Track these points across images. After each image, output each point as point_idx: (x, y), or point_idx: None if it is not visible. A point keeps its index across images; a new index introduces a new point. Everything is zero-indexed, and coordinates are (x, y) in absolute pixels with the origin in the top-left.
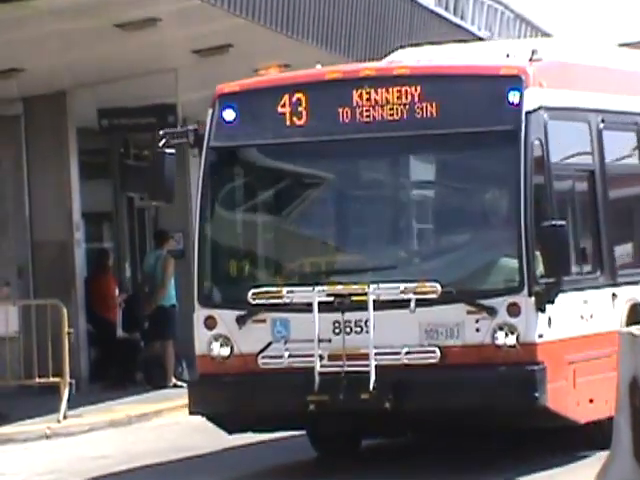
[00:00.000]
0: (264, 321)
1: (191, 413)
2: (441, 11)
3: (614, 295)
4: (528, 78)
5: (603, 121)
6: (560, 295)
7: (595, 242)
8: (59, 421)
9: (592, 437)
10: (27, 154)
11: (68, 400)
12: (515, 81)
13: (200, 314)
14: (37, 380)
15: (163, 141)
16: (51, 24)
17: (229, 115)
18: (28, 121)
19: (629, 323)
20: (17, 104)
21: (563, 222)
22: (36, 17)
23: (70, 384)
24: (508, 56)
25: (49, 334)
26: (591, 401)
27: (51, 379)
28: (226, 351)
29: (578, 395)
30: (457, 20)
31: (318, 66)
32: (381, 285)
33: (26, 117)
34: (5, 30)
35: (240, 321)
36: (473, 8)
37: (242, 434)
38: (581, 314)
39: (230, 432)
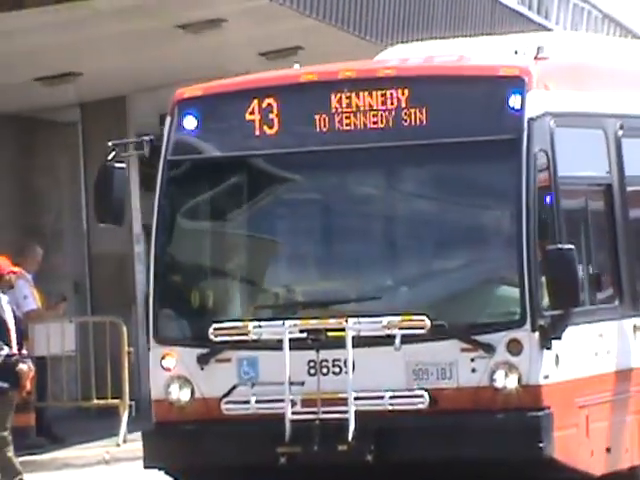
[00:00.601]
0: (229, 360)
1: (146, 467)
2: (524, 10)
3: (636, 327)
4: (531, 79)
5: (622, 127)
6: (570, 329)
7: (613, 267)
8: (118, 445)
9: None
10: (84, 163)
11: (128, 423)
12: (516, 83)
13: (156, 352)
14: (95, 402)
15: (112, 154)
16: (110, 25)
17: (190, 123)
18: (85, 128)
19: None
20: (74, 110)
21: (571, 246)
22: (95, 18)
23: (130, 406)
24: (517, 53)
25: (108, 353)
26: (608, 450)
27: (110, 401)
28: (186, 395)
29: (592, 444)
30: (540, 19)
31: (296, 66)
32: (361, 319)
33: (83, 124)
34: (62, 32)
35: (201, 361)
36: (558, 7)
37: None
38: (596, 350)
39: None
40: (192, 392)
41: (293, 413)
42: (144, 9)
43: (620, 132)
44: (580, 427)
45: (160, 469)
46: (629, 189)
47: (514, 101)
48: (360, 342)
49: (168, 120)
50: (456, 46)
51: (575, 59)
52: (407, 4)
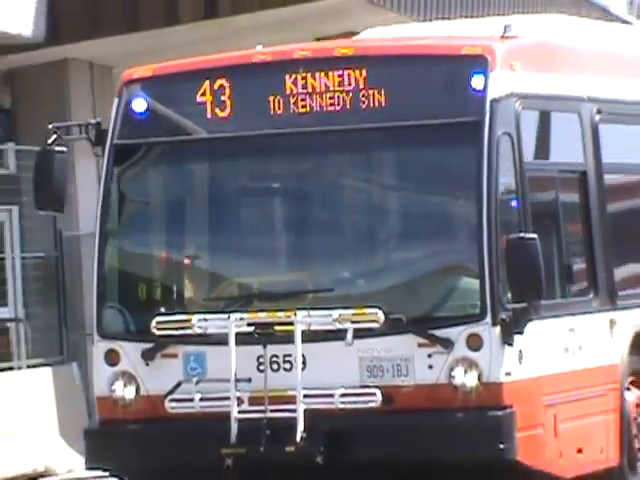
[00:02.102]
0: (175, 356)
1: (88, 468)
2: (633, 20)
3: (612, 321)
4: (495, 59)
5: (600, 112)
6: (537, 323)
7: (588, 258)
8: None
9: None
10: None
11: None
12: (479, 62)
13: (99, 347)
14: None
15: (53, 137)
16: (251, 39)
17: (139, 106)
18: None
19: (633, 354)
20: None
21: (534, 235)
22: (236, 33)
23: None
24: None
25: None
26: (579, 451)
27: None
28: (131, 392)
29: (561, 445)
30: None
31: (259, 47)
32: (311, 312)
33: None
34: (206, 47)
35: (146, 356)
36: None
37: None
38: (566, 346)
39: None
40: (137, 389)
41: (240, 412)
42: (283, 24)
43: (597, 117)
44: (547, 427)
45: (103, 471)
46: (606, 177)
47: (476, 81)
48: (311, 337)
49: (115, 102)
50: (435, 28)
51: (549, 40)
52: None
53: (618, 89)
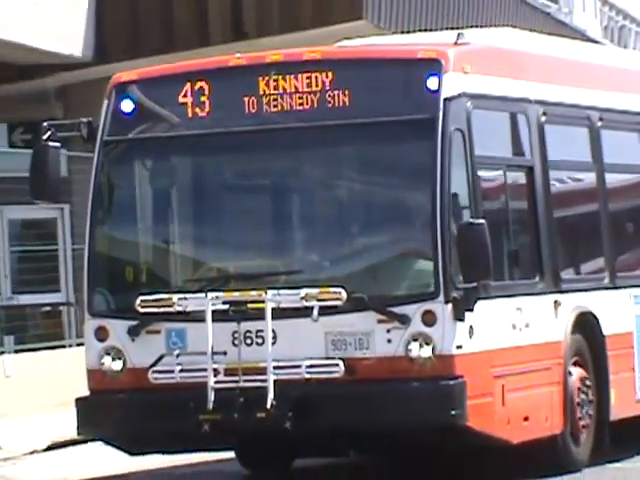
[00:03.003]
0: (158, 332)
1: (80, 434)
2: (607, 43)
3: (557, 302)
4: (448, 62)
5: (545, 114)
6: (487, 302)
7: (534, 245)
8: None
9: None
10: None
11: None
12: (433, 65)
13: (90, 324)
14: None
15: (48, 134)
16: None
17: (127, 106)
18: None
19: (575, 333)
20: None
21: (482, 220)
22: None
23: None
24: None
25: None
26: (526, 419)
27: None
28: (118, 365)
29: (508, 412)
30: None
31: (237, 55)
32: (281, 291)
33: None
34: None
35: (132, 332)
36: (635, 39)
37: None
38: (513, 323)
39: (131, 454)
40: (124, 362)
41: (216, 382)
42: (303, 44)
43: (543, 118)
44: (496, 396)
45: (94, 435)
46: (551, 172)
47: (431, 82)
48: (281, 314)
49: (105, 103)
50: (407, 38)
51: (499, 47)
52: None
53: (562, 93)
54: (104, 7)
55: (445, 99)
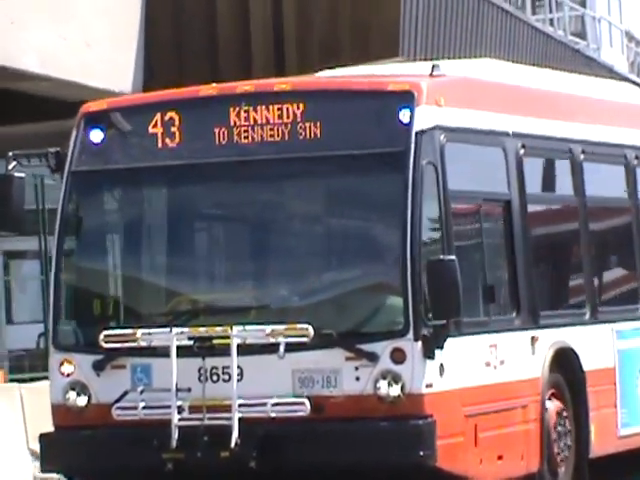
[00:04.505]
0: (124, 367)
1: (43, 471)
2: (634, 77)
3: (534, 338)
4: (421, 95)
5: (524, 147)
6: (460, 339)
7: (511, 280)
8: None
9: None
10: None
11: None
12: (406, 97)
13: (55, 358)
14: None
15: (13, 164)
16: None
17: (96, 136)
18: None
19: (554, 369)
20: None
21: (453, 257)
22: None
23: None
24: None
25: None
26: (500, 458)
27: None
28: (83, 400)
29: (481, 452)
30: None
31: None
32: (247, 327)
33: None
34: None
35: (97, 367)
36: None
37: None
38: (487, 360)
39: None
40: (89, 398)
41: (180, 420)
42: None
43: (522, 151)
44: (467, 435)
45: (58, 472)
46: (529, 206)
47: (403, 115)
48: (247, 350)
49: (74, 133)
50: (384, 69)
51: (475, 79)
52: None
53: (543, 126)
54: (152, 45)
55: (417, 132)
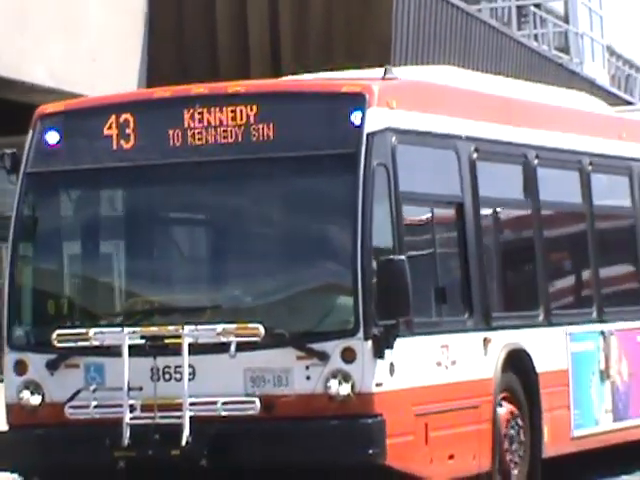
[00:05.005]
0: (77, 366)
1: None
2: (615, 90)
3: (487, 340)
4: (373, 97)
5: (477, 150)
6: (411, 339)
7: (463, 281)
8: None
9: None
10: None
11: None
12: (357, 100)
13: (9, 358)
14: None
15: None
16: None
17: (52, 138)
18: None
19: (506, 370)
20: None
21: (402, 257)
22: None
23: None
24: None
25: None
26: (451, 457)
27: None
28: (37, 400)
29: (432, 451)
30: (628, 97)
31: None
32: (199, 326)
33: None
34: None
35: (51, 366)
36: None
37: None
38: (438, 360)
39: None
40: (43, 397)
41: (132, 418)
42: None
43: (475, 155)
44: (418, 434)
45: (11, 471)
46: (482, 209)
47: (354, 117)
48: (199, 349)
49: (30, 134)
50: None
51: (429, 83)
52: None
53: (496, 131)
54: (155, 60)
55: (368, 134)
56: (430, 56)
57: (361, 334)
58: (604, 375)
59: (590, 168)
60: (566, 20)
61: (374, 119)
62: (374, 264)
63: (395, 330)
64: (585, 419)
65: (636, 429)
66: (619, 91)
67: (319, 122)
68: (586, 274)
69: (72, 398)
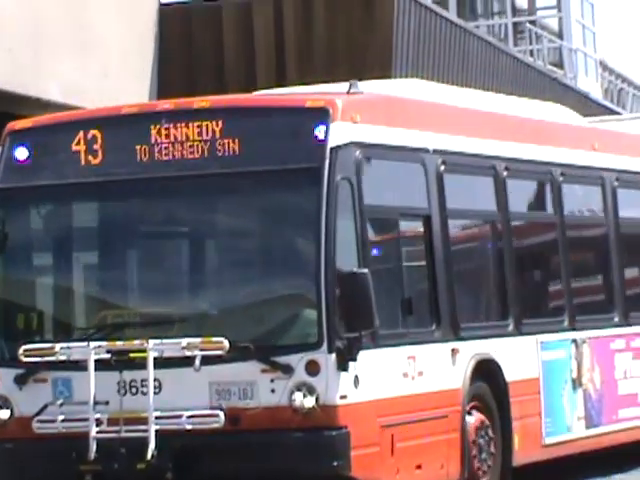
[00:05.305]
0: (45, 381)
1: None
2: (608, 103)
3: (455, 350)
4: (336, 111)
5: (444, 163)
6: (376, 351)
7: (431, 293)
8: None
9: None
10: None
11: None
12: (321, 114)
13: None
14: None
15: None
16: None
17: (21, 154)
18: None
19: (475, 380)
20: None
21: (365, 270)
22: None
23: None
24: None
25: None
26: (419, 467)
27: None
28: (5, 414)
29: (398, 462)
30: (620, 109)
31: None
32: (164, 340)
33: None
34: None
35: (19, 380)
36: (632, 100)
37: None
38: (405, 371)
39: None
40: (12, 411)
41: (98, 432)
42: None
43: (442, 167)
44: (384, 446)
45: None
46: (450, 221)
47: (318, 131)
48: (165, 363)
49: None
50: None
51: (394, 97)
52: None
53: (465, 144)
54: (164, 76)
55: (332, 148)
56: (429, 70)
57: (325, 347)
58: (576, 383)
59: (561, 179)
60: (560, 36)
61: (338, 133)
62: (337, 277)
63: (359, 343)
64: (557, 426)
65: (609, 435)
66: (612, 104)
67: (284, 137)
68: (558, 283)
69: (39, 412)
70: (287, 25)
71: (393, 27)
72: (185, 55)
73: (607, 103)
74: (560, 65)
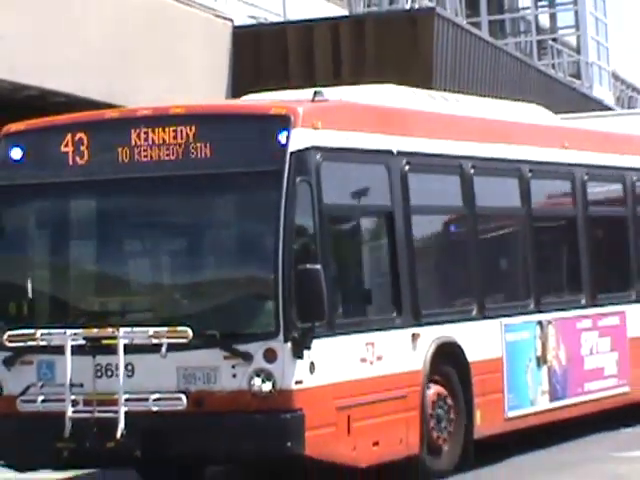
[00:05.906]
0: (31, 363)
1: None
2: (619, 109)
3: (415, 335)
4: (298, 118)
5: (409, 164)
6: (332, 338)
7: (393, 282)
8: None
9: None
10: None
11: None
12: (283, 121)
13: None
14: None
15: None
16: None
17: (16, 154)
18: None
19: (436, 362)
20: None
21: (317, 266)
22: None
23: None
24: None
25: None
26: (376, 444)
27: None
28: None
29: (354, 440)
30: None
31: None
32: (134, 329)
33: None
34: None
35: (8, 362)
36: None
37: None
38: (363, 357)
39: (20, 471)
40: (1, 390)
41: (74, 412)
42: None
43: (406, 167)
44: (340, 426)
45: None
46: (413, 217)
47: (281, 136)
48: (137, 349)
49: None
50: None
51: (357, 104)
52: None
53: (429, 145)
54: (238, 88)
55: (292, 152)
56: (465, 82)
57: (281, 336)
58: (541, 360)
59: (530, 175)
60: (578, 51)
61: (299, 139)
62: (294, 272)
63: (312, 332)
64: (520, 400)
65: (576, 406)
66: (624, 110)
67: (250, 141)
68: (524, 269)
69: (23, 393)
70: (343, 42)
71: (433, 45)
72: (255, 69)
73: (619, 109)
74: (578, 76)
